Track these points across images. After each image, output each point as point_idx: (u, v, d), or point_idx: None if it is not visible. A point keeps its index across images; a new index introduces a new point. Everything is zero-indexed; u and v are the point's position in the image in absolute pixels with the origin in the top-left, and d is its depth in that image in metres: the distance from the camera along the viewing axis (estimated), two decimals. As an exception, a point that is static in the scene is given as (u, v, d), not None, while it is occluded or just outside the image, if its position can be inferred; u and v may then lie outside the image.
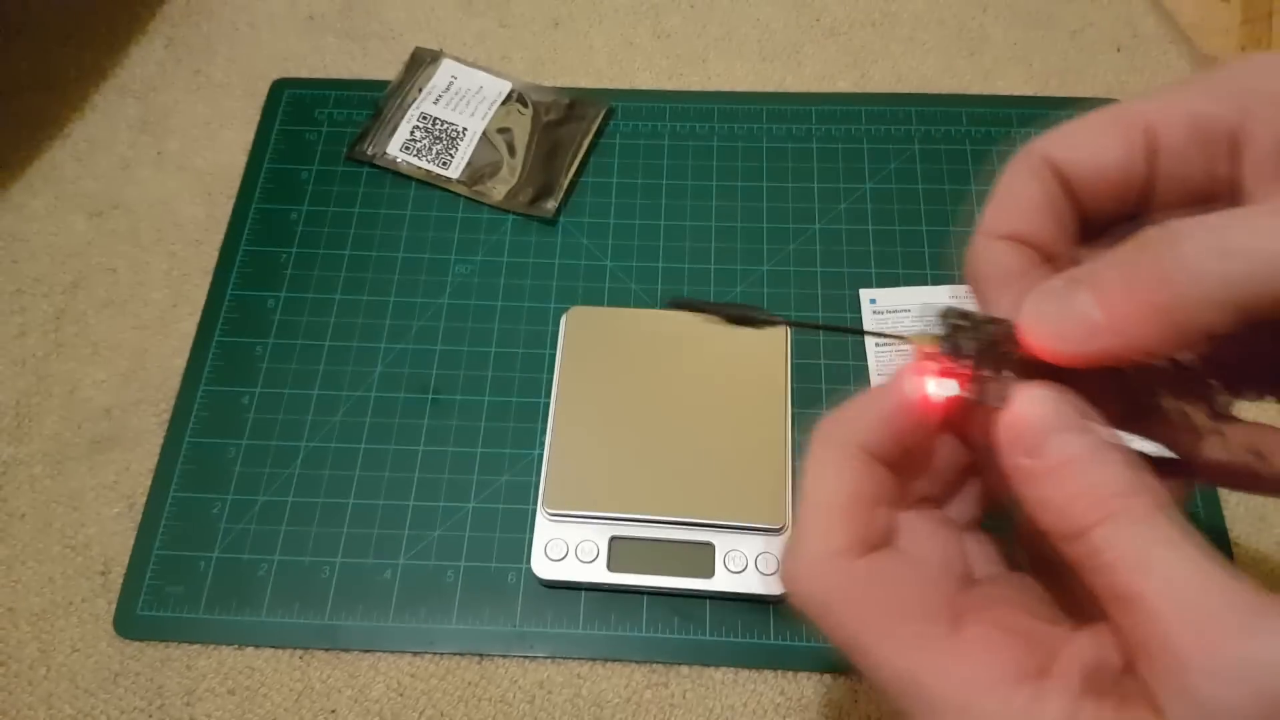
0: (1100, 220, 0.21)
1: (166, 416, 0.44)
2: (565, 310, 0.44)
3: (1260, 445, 0.20)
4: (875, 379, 0.44)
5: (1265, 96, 0.19)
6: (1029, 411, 0.18)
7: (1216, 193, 0.20)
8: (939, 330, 0.19)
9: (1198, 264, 0.16)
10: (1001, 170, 0.21)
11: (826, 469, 0.19)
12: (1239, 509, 0.41)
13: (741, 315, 0.21)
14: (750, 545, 0.39)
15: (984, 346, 0.19)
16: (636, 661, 0.38)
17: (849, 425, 0.19)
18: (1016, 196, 0.20)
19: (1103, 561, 0.16)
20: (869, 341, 0.44)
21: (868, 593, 0.18)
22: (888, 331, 0.21)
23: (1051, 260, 0.20)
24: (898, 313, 0.45)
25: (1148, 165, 0.20)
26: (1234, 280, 0.16)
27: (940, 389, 0.19)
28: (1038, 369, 0.18)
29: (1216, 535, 0.40)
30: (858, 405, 0.20)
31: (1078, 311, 0.17)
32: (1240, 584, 0.15)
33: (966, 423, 0.20)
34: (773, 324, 0.20)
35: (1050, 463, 0.17)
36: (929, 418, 0.19)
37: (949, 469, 0.21)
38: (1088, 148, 0.20)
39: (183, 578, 0.40)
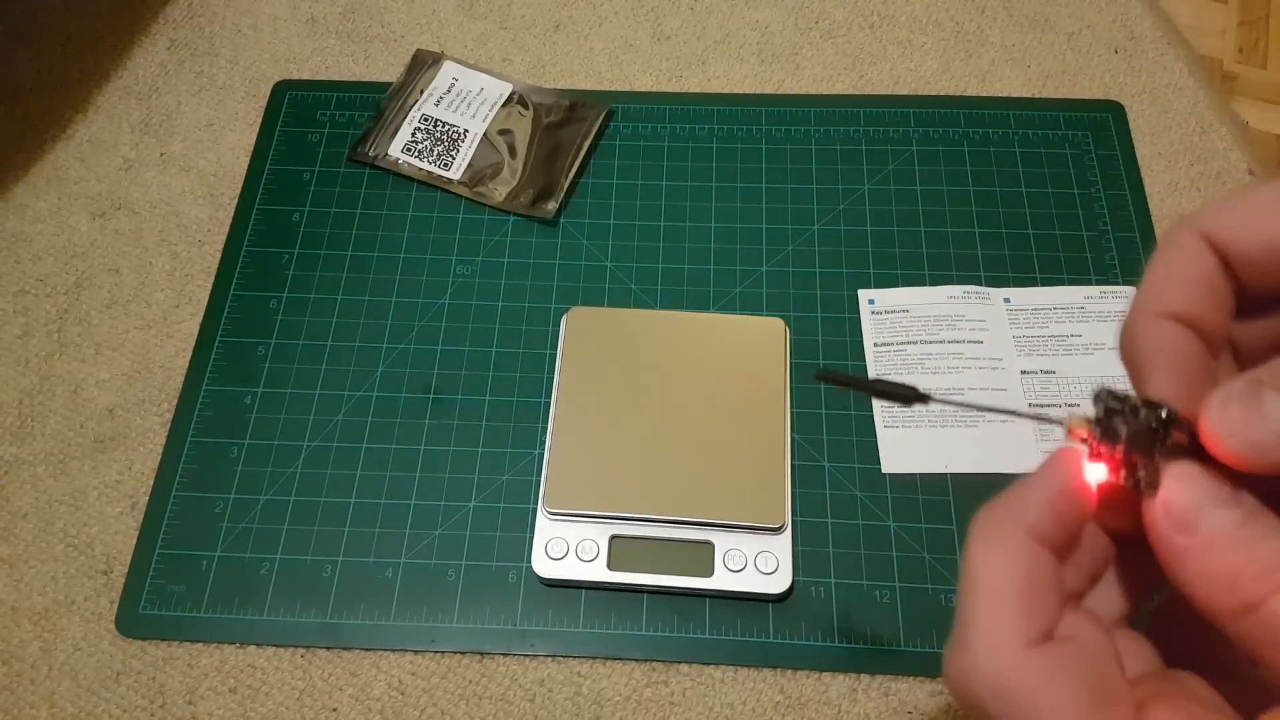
0: (1256, 297, 0.20)
1: (169, 416, 0.44)
2: (566, 311, 0.44)
3: None
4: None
5: None
6: (1181, 488, 0.18)
7: None
8: (1093, 412, 0.19)
9: None
10: (1159, 246, 0.20)
11: (997, 554, 0.18)
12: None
13: (889, 391, 0.20)
14: (750, 544, 0.39)
15: (1138, 432, 0.18)
16: (636, 660, 0.39)
17: (1015, 509, 0.19)
18: (1178, 273, 0.20)
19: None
20: (869, 345, 0.45)
21: (1056, 683, 0.17)
22: (1042, 415, 0.21)
23: (1210, 341, 0.20)
24: (896, 313, 0.45)
25: None
26: None
27: (1093, 473, 0.19)
28: (1195, 456, 0.18)
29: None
30: (1021, 490, 0.19)
31: (1269, 419, 0.17)
32: None
33: (1111, 511, 0.20)
34: (922, 401, 0.20)
35: (1207, 538, 0.17)
36: (1087, 502, 0.19)
37: (1091, 561, 0.21)
38: (1248, 224, 0.19)
39: (185, 577, 0.40)
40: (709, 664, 0.38)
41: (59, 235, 0.49)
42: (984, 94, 0.52)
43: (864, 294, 0.46)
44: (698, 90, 0.53)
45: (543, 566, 0.39)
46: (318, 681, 0.38)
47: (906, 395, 0.20)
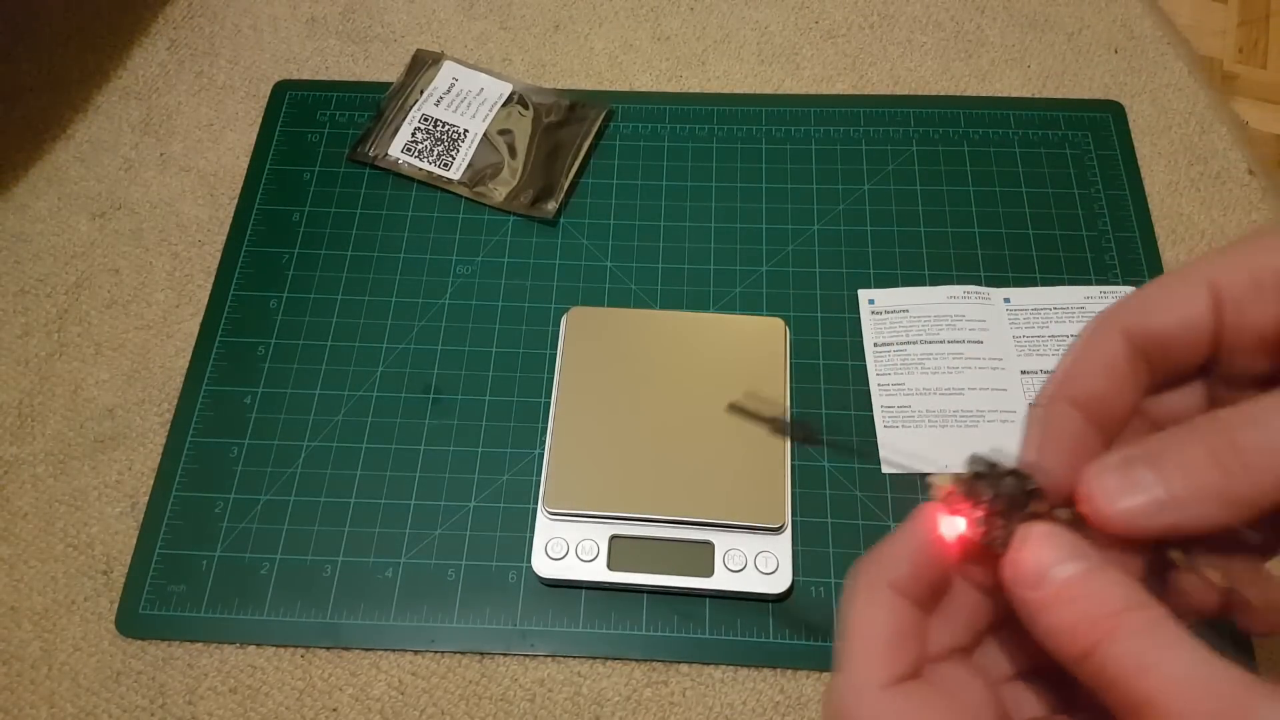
0: (1172, 375, 0.22)
1: (169, 416, 0.44)
2: (566, 310, 0.44)
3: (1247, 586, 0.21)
4: (875, 381, 0.44)
5: None
6: (1029, 546, 0.19)
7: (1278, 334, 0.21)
8: (963, 473, 0.21)
9: (1253, 452, 0.18)
10: (1078, 338, 0.22)
11: (863, 605, 0.20)
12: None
13: (793, 434, 0.22)
14: (750, 544, 0.39)
15: (1000, 497, 0.20)
16: (636, 660, 0.39)
17: (880, 564, 0.21)
18: (1083, 364, 0.22)
19: (1110, 676, 0.17)
20: (869, 345, 0.45)
21: (915, 717, 0.19)
22: (913, 469, 0.22)
23: (1109, 423, 0.22)
24: (896, 313, 0.45)
25: (1213, 319, 0.21)
26: None
27: (952, 528, 0.21)
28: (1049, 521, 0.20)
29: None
30: (886, 545, 0.21)
31: (1142, 487, 0.19)
32: (1240, 674, 0.16)
33: (984, 571, 0.22)
34: (816, 444, 0.22)
35: (1052, 591, 0.18)
36: (944, 555, 0.21)
37: (971, 616, 0.22)
38: (1156, 311, 0.21)
39: (185, 577, 0.40)
40: (709, 664, 0.38)
41: (59, 235, 0.49)
42: (984, 94, 0.52)
43: (864, 294, 0.46)
44: (698, 90, 0.53)
45: (543, 566, 0.39)
46: (318, 681, 0.38)
47: (799, 436, 0.22)
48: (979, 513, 0.20)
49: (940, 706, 0.19)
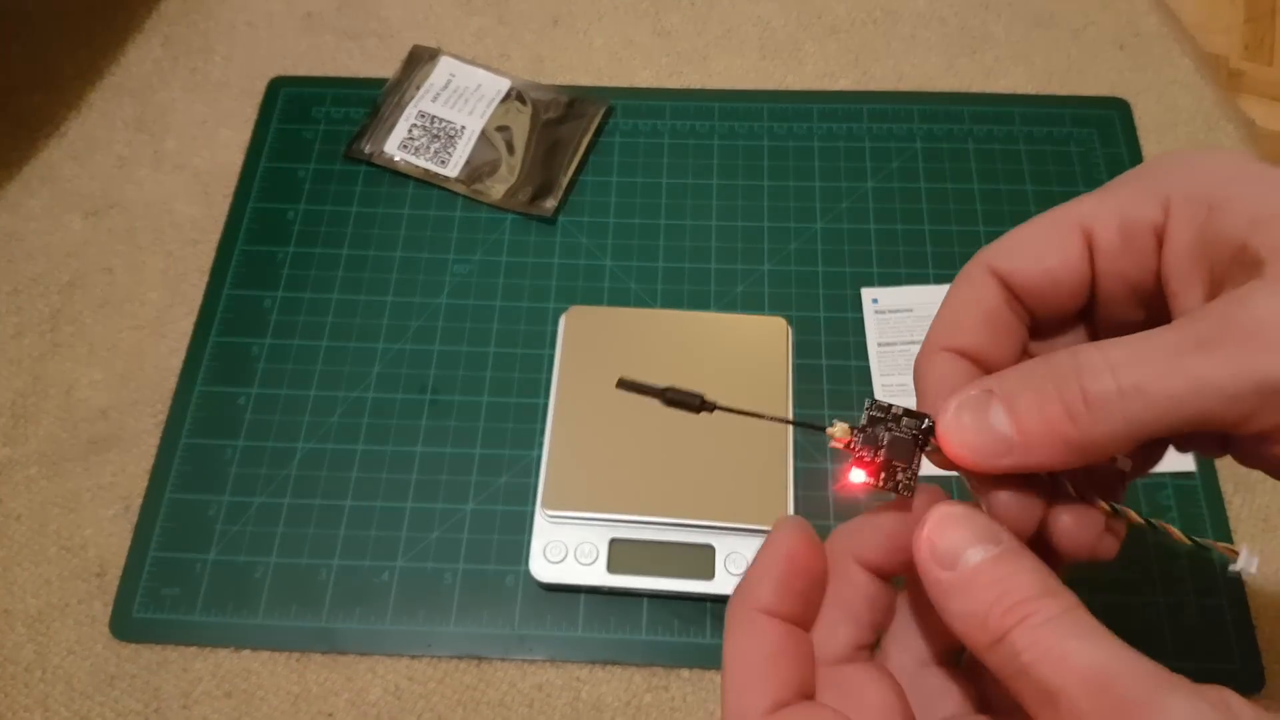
0: (1052, 319, 0.22)
1: (163, 417, 0.43)
2: (564, 310, 0.44)
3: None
4: (879, 381, 0.43)
5: (1183, 195, 0.20)
6: (944, 525, 0.19)
7: (1151, 287, 0.21)
8: (861, 420, 0.21)
9: (1100, 405, 0.18)
10: (953, 282, 0.22)
11: (735, 635, 0.20)
12: (1243, 510, 0.41)
13: (678, 399, 0.22)
14: (751, 547, 0.38)
15: (899, 439, 0.20)
16: (636, 665, 0.38)
17: (745, 591, 0.20)
18: (960, 310, 0.22)
19: (1022, 664, 0.17)
20: (871, 343, 0.44)
21: None
22: (807, 423, 0.22)
23: (991, 367, 0.21)
24: (900, 312, 0.45)
25: (1088, 265, 0.21)
26: (1133, 418, 0.17)
27: (855, 477, 0.21)
28: (951, 464, 0.20)
29: (1221, 537, 0.40)
30: (750, 571, 0.21)
31: (993, 428, 0.19)
32: (1149, 666, 0.16)
33: (888, 556, 0.21)
34: (708, 409, 0.22)
35: (965, 574, 0.18)
36: (813, 567, 0.21)
37: (870, 611, 0.22)
38: (1029, 256, 0.21)
39: (179, 580, 0.40)
40: (711, 669, 0.38)
41: (52, 234, 0.48)
42: (989, 91, 0.52)
43: (867, 293, 0.45)
44: (699, 86, 0.52)
45: (541, 570, 0.38)
46: (313, 686, 0.38)
47: (693, 404, 0.22)
48: (880, 458, 0.20)
49: None
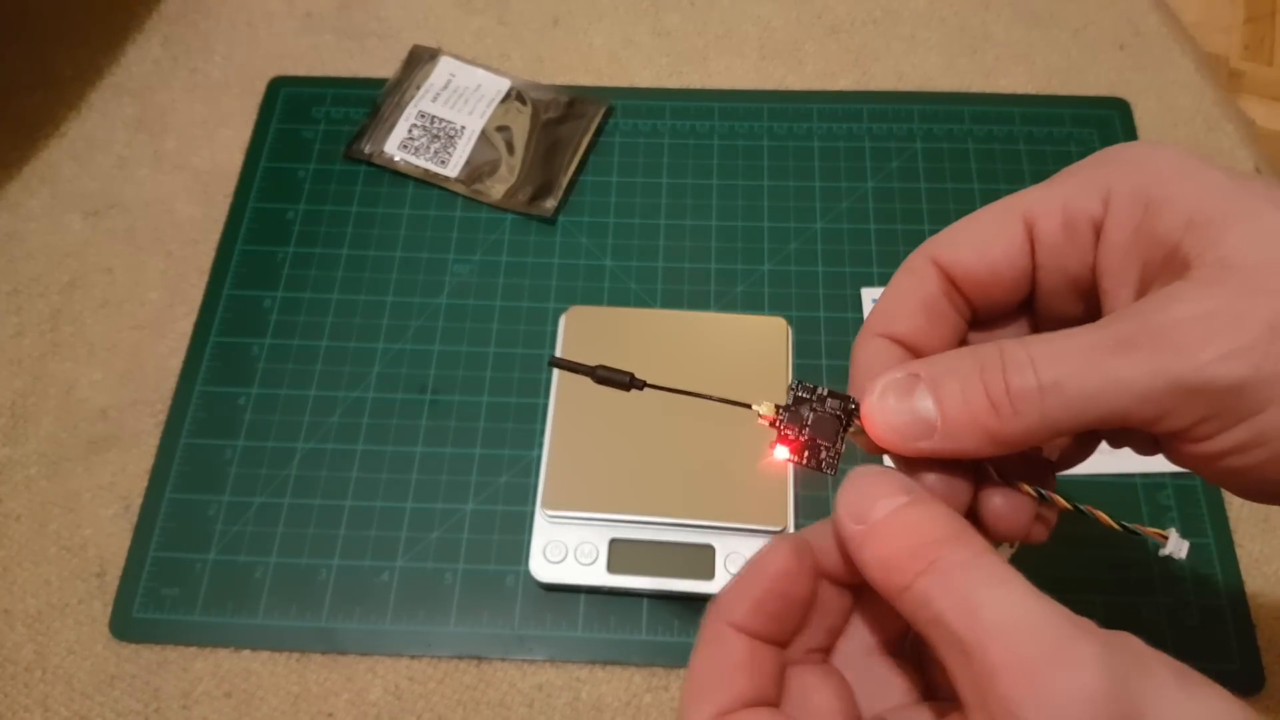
0: (993, 310, 0.22)
1: (163, 417, 0.43)
2: (564, 310, 0.44)
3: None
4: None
5: (1123, 191, 0.20)
6: (856, 481, 0.19)
7: (1091, 282, 0.21)
8: (787, 400, 0.21)
9: (1020, 399, 0.18)
10: (898, 270, 0.22)
11: (703, 644, 0.20)
12: (1243, 510, 0.41)
13: (609, 377, 0.22)
14: (751, 547, 0.38)
15: (823, 418, 0.21)
16: (636, 665, 0.38)
17: (722, 605, 0.20)
18: (899, 299, 0.22)
19: (934, 612, 0.17)
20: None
21: None
22: (732, 400, 0.22)
23: (925, 355, 0.22)
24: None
25: (1029, 257, 0.21)
26: (1049, 413, 0.18)
27: (779, 454, 0.21)
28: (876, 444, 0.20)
29: (1221, 537, 0.40)
30: (731, 585, 0.21)
31: (916, 411, 0.19)
32: (1063, 614, 0.16)
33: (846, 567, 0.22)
34: (638, 387, 0.22)
35: (875, 524, 0.18)
36: (794, 593, 0.20)
37: (828, 617, 0.22)
38: (971, 246, 0.21)
39: (179, 580, 0.40)
40: None
41: (52, 234, 0.48)
42: (988, 91, 0.52)
43: (867, 293, 0.45)
44: (698, 86, 0.52)
45: (541, 570, 0.38)
46: (313, 686, 0.38)
47: (623, 381, 0.22)
48: (804, 436, 0.21)
49: None
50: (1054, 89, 0.52)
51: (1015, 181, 0.48)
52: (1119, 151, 0.20)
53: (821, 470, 0.21)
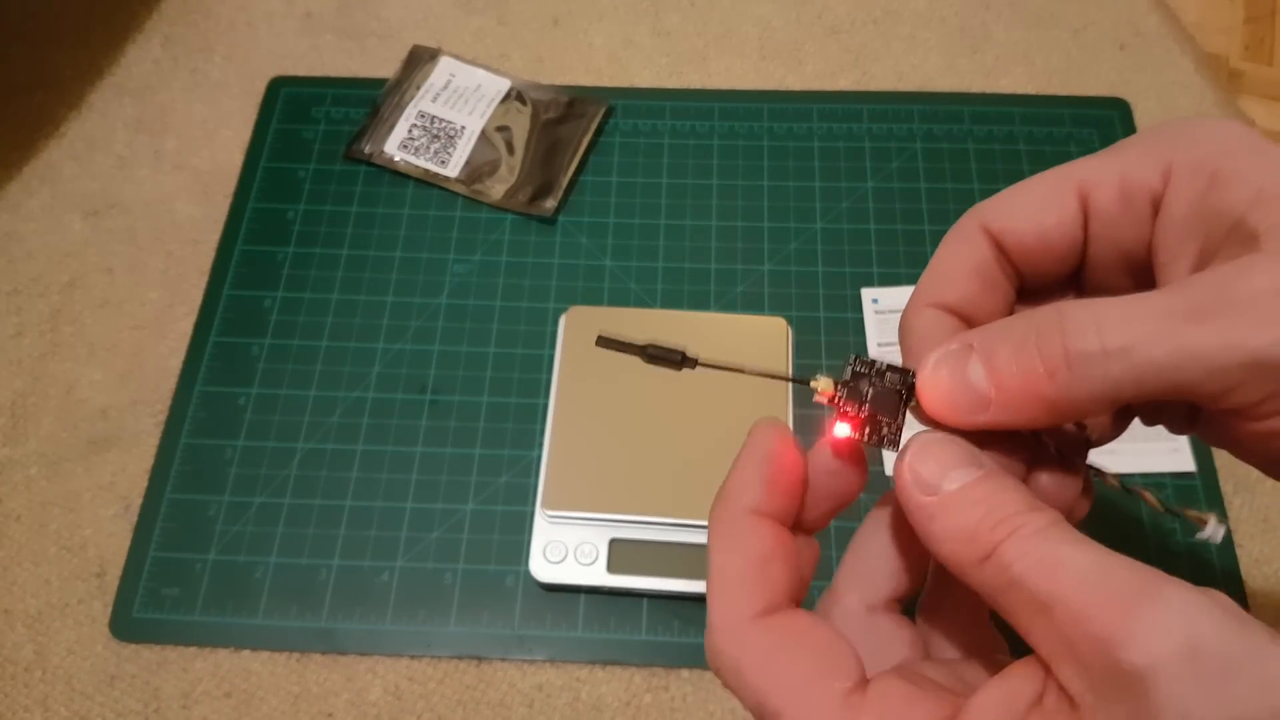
0: (1041, 281, 0.22)
1: (163, 417, 0.43)
2: (564, 310, 0.44)
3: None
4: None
5: (1186, 164, 0.19)
6: (925, 451, 0.19)
7: (1144, 255, 0.20)
8: (844, 375, 0.21)
9: (1082, 364, 0.17)
10: (945, 237, 0.22)
11: (723, 537, 0.19)
12: (1243, 510, 0.41)
13: (660, 355, 0.22)
14: (751, 547, 0.38)
15: (882, 394, 0.20)
16: (636, 665, 0.38)
17: (732, 491, 0.20)
18: (950, 266, 0.21)
19: (1014, 575, 0.16)
20: (872, 344, 0.44)
21: (774, 655, 0.18)
22: (786, 375, 0.22)
23: (979, 325, 0.21)
24: (899, 312, 0.45)
25: (1082, 228, 0.20)
26: (1113, 380, 0.17)
27: (840, 431, 0.20)
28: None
29: (1222, 539, 0.40)
30: (733, 471, 0.20)
31: (971, 384, 0.19)
32: (1139, 566, 0.16)
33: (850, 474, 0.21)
34: (690, 366, 0.22)
35: (949, 495, 0.18)
36: (793, 466, 0.20)
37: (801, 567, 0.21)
38: (1023, 215, 0.21)
39: (179, 580, 0.40)
40: (710, 669, 0.38)
41: (52, 234, 0.48)
42: (989, 91, 0.52)
43: (867, 293, 0.45)
44: (698, 86, 0.52)
45: (541, 570, 0.38)
46: (313, 686, 0.38)
47: (675, 360, 0.22)
48: (864, 413, 0.20)
49: (805, 635, 0.18)
50: (1054, 89, 0.52)
51: (1015, 181, 0.48)
52: (1180, 125, 0.20)
53: (884, 446, 0.20)
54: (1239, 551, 0.40)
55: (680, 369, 0.21)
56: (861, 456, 0.21)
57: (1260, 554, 0.40)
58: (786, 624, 0.19)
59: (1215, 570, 0.39)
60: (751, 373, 0.22)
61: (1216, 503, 0.41)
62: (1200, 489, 0.41)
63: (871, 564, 0.22)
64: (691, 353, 0.22)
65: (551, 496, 0.39)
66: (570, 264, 0.46)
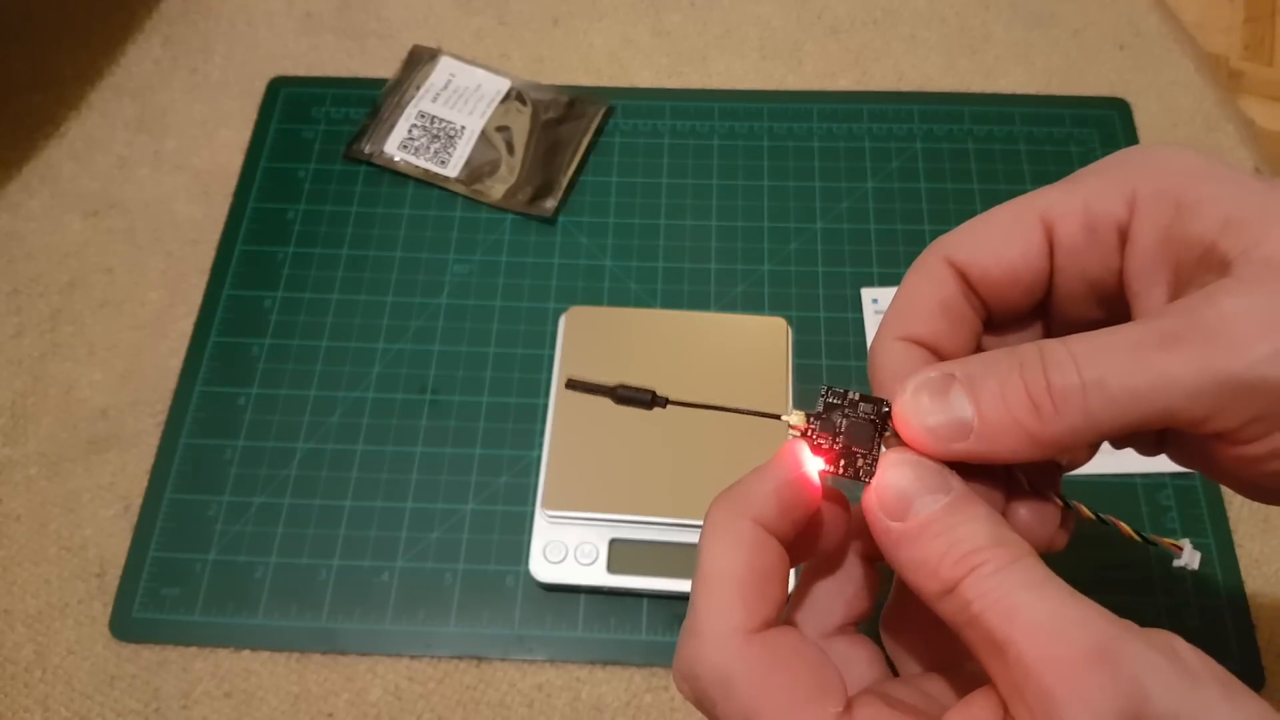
0: (1008, 313, 0.22)
1: (163, 417, 0.43)
2: (564, 310, 0.44)
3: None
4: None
5: (1149, 193, 0.19)
6: (892, 476, 0.19)
7: (1112, 285, 0.20)
8: (816, 408, 0.20)
9: (1063, 397, 0.17)
10: (909, 270, 0.22)
11: (725, 543, 0.19)
12: (1243, 510, 0.41)
13: (630, 397, 0.21)
14: (751, 547, 0.38)
15: (856, 424, 0.20)
16: (636, 665, 0.38)
17: (743, 499, 0.19)
18: (915, 300, 0.21)
19: (973, 614, 0.16)
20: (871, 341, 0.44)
21: (770, 672, 0.18)
22: (760, 411, 0.21)
23: (946, 358, 0.21)
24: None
25: (1047, 260, 0.20)
26: (1094, 412, 0.17)
27: (812, 465, 0.20)
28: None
29: (1221, 537, 0.40)
30: (749, 479, 0.20)
31: (952, 411, 0.18)
32: (1104, 616, 0.16)
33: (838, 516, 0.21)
34: (660, 405, 0.21)
35: (916, 524, 0.18)
36: (811, 493, 0.20)
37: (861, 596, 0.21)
38: (987, 248, 0.20)
39: (179, 580, 0.40)
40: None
41: (52, 234, 0.48)
42: (989, 91, 0.52)
43: (867, 293, 0.45)
44: (699, 86, 0.52)
45: (541, 570, 0.38)
46: (313, 687, 0.38)
47: (644, 400, 0.21)
48: (838, 445, 0.20)
49: (798, 654, 0.18)
50: (1054, 89, 0.52)
51: (1015, 181, 0.48)
52: (1138, 154, 0.20)
53: (860, 479, 0.20)
54: (1239, 551, 0.40)
55: (650, 409, 0.21)
56: (841, 497, 0.21)
57: (1260, 554, 0.40)
58: (781, 641, 0.18)
59: (1215, 570, 0.39)
60: (722, 410, 0.21)
61: (1216, 503, 0.41)
62: (1200, 489, 0.41)
63: (826, 588, 0.22)
64: (661, 393, 0.21)
65: (551, 496, 0.39)
66: (570, 264, 0.46)
